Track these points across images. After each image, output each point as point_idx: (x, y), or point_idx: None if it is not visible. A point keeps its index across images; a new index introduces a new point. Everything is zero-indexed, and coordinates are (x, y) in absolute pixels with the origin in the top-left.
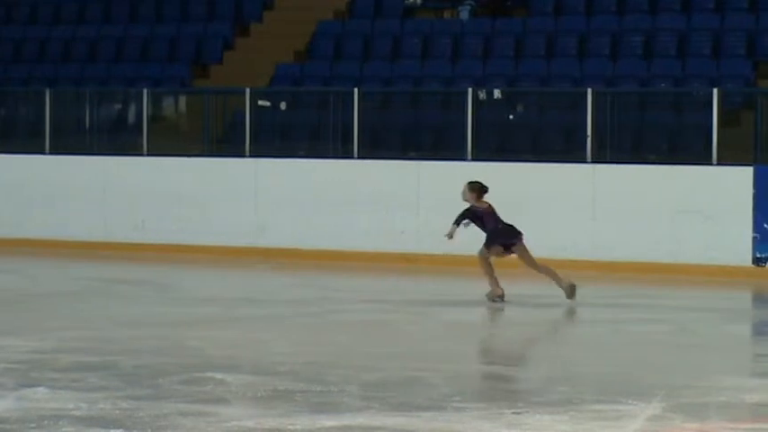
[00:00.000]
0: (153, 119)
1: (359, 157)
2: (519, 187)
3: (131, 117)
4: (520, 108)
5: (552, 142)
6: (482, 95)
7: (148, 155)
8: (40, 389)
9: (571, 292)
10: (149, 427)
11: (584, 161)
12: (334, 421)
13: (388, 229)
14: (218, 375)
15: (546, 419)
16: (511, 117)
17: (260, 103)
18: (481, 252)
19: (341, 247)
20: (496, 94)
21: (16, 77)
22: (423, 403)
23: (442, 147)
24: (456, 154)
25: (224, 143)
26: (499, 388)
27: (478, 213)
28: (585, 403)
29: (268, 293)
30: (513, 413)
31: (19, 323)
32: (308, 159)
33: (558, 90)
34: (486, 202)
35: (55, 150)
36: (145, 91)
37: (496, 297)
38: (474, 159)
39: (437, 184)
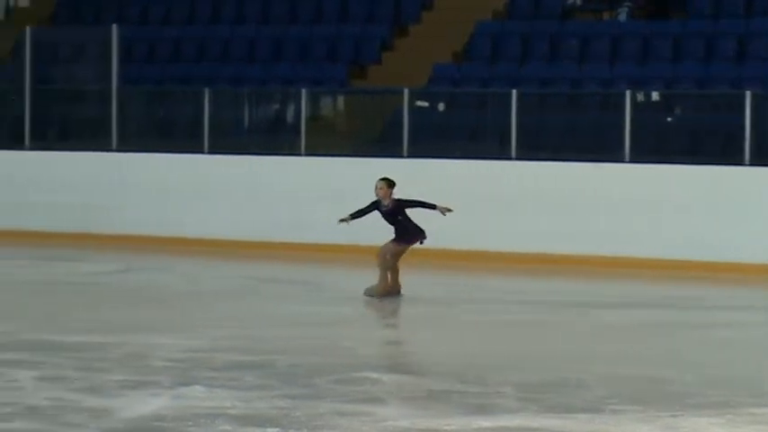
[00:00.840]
0: (311, 119)
1: (516, 158)
2: (676, 189)
3: (289, 117)
4: (678, 110)
5: (710, 144)
6: (640, 98)
7: (306, 154)
8: (197, 387)
9: (381, 293)
10: (305, 427)
11: (742, 163)
12: (490, 422)
13: (543, 229)
14: (374, 375)
15: (702, 422)
16: (669, 119)
17: (418, 103)
18: (392, 249)
19: (495, 248)
20: (655, 96)
21: (175, 77)
22: (579, 405)
23: (600, 149)
24: (614, 156)
25: (381, 143)
26: (655, 390)
27: (388, 209)
28: (742, 406)
29: (421, 293)
30: (670, 416)
31: (176, 322)
32: (464, 160)
33: (716, 92)
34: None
35: (213, 150)
36: (303, 91)
37: (386, 293)
38: (631, 161)
39: (592, 185)
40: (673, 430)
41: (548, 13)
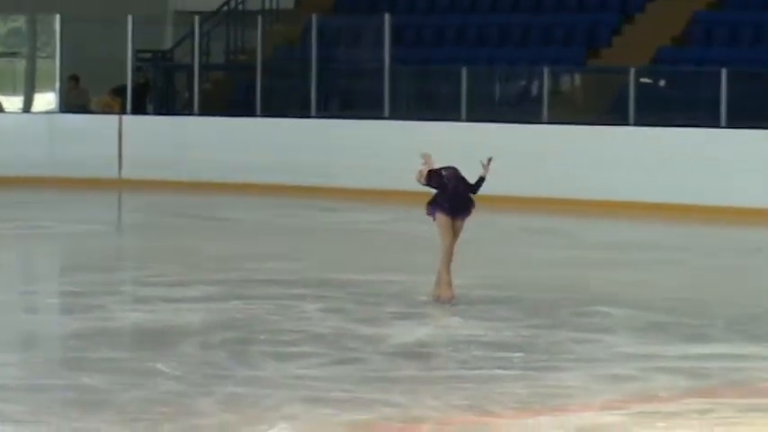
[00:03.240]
0: (552, 93)
1: (726, 127)
2: None
3: (533, 91)
4: None
5: None
6: None
7: (548, 123)
8: (455, 318)
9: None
10: (546, 352)
11: None
12: (702, 350)
13: (752, 187)
14: (605, 309)
15: None
16: None
17: (641, 80)
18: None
19: (710, 203)
20: None
21: (438, 58)
22: None
23: None
24: None
25: (611, 113)
26: None
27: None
28: None
29: (657, 241)
30: None
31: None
32: (681, 128)
33: None
34: None
35: (469, 119)
36: (545, 69)
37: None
38: None
39: None
40: None
41: (756, 4)
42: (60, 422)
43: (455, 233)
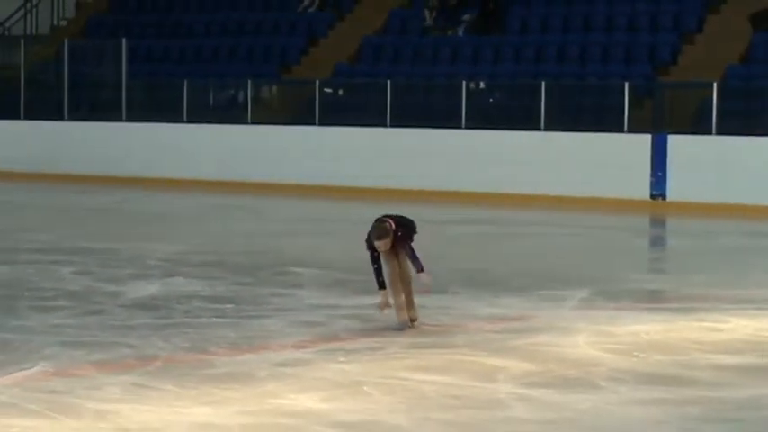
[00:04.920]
0: (254, 100)
1: (390, 126)
2: None
3: (240, 98)
4: None
5: None
6: None
7: (252, 124)
8: (179, 278)
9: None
10: (252, 303)
11: None
12: (371, 300)
13: None
14: (297, 269)
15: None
16: None
17: (325, 89)
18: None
19: None
20: None
21: (167, 72)
22: None
23: None
24: None
25: (302, 116)
26: (479, 279)
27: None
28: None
29: (324, 216)
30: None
31: (167, 235)
32: (357, 128)
33: None
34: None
35: (190, 121)
36: (249, 81)
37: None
38: None
39: None
40: (496, 306)
41: (411, 29)
42: None
43: (399, 262)
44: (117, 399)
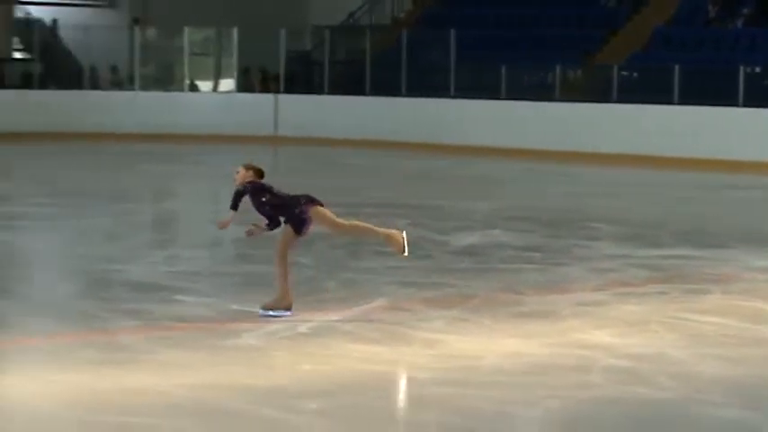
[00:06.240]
0: None
1: None
2: None
3: None
4: None
5: None
6: None
7: None
8: (496, 230)
9: (398, 244)
10: (556, 252)
11: None
12: (658, 252)
13: None
14: (597, 225)
15: None
16: None
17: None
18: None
19: None
20: None
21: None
22: None
23: None
24: None
25: None
26: (754, 235)
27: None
28: None
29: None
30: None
31: (486, 194)
32: None
33: None
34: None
35: None
36: None
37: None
38: None
39: None
40: None
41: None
42: (229, 296)
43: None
44: (442, 330)
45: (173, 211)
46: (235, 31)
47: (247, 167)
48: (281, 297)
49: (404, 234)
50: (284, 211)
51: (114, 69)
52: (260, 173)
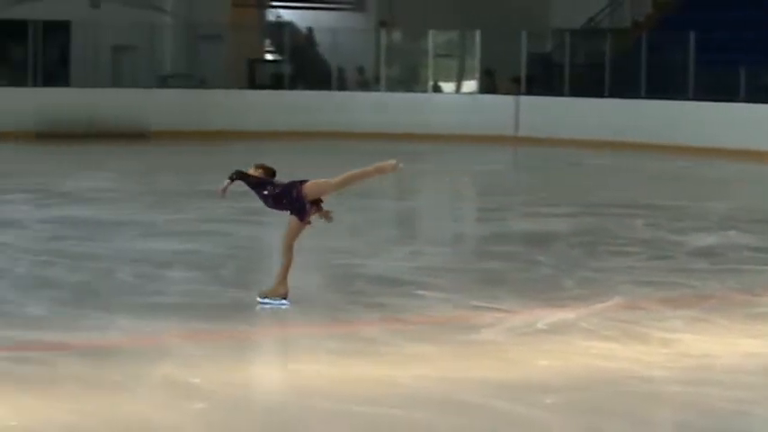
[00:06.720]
0: None
1: None
2: None
3: None
4: None
5: None
6: None
7: None
8: (733, 231)
9: (389, 165)
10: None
11: None
12: None
13: None
14: None
15: None
16: None
17: None
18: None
19: None
20: None
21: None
22: None
23: None
24: None
25: None
26: None
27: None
28: None
29: None
30: None
31: (723, 195)
32: None
33: None
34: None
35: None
36: None
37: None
38: None
39: None
40: None
41: None
42: (469, 292)
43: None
44: (679, 329)
45: (415, 209)
46: (477, 34)
47: (257, 166)
48: (278, 285)
49: (394, 161)
50: (285, 198)
51: (361, 70)
52: (270, 172)
